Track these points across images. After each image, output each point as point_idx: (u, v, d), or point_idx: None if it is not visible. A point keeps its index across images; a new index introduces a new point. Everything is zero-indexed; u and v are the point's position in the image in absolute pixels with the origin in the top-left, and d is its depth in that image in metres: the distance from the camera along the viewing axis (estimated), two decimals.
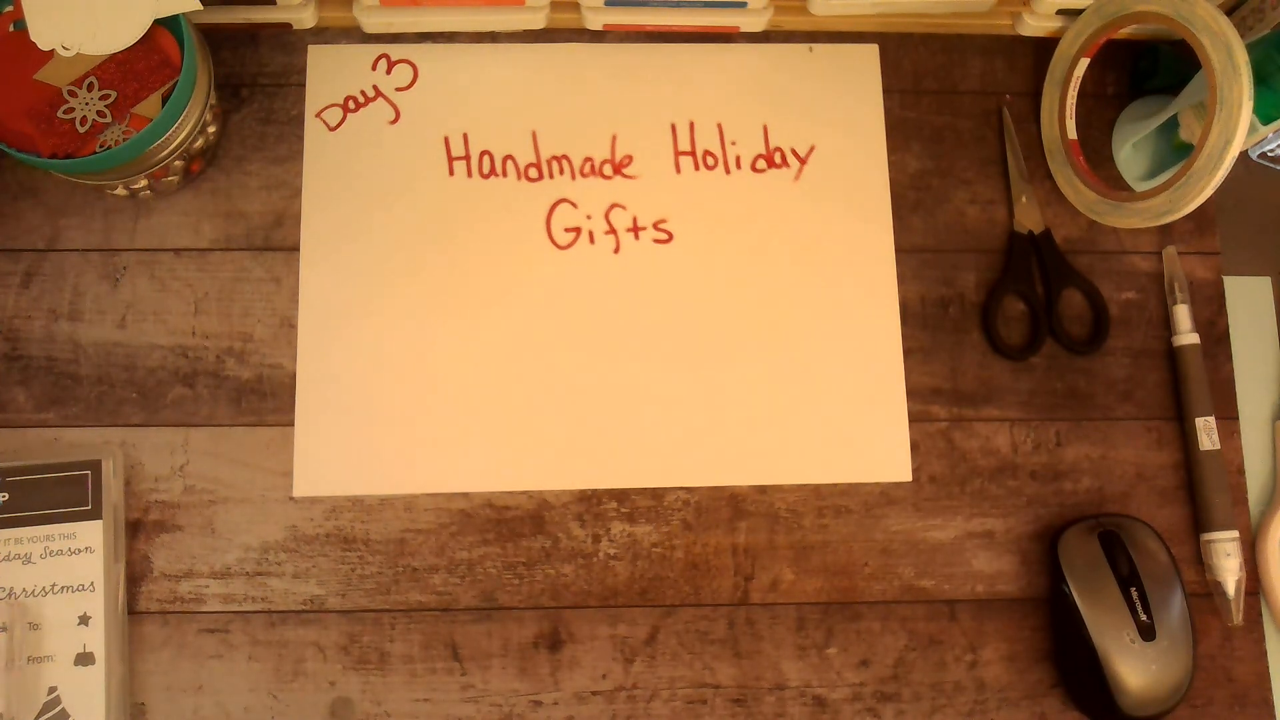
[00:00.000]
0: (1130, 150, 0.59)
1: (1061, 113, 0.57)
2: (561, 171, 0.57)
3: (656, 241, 0.56)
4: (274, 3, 0.55)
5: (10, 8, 0.49)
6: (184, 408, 0.53)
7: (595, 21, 0.57)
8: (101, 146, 0.48)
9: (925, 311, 0.56)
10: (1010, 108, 0.59)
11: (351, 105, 0.57)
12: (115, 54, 0.49)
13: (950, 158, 0.58)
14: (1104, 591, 0.51)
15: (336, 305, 0.54)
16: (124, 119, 0.49)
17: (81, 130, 0.48)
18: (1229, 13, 0.56)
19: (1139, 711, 0.50)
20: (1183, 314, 0.56)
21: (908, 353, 0.56)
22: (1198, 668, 0.52)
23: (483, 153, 0.57)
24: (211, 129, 0.53)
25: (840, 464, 0.54)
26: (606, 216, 0.56)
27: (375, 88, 0.57)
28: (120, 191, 0.52)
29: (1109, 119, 0.60)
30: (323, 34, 0.57)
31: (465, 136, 0.57)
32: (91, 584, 0.50)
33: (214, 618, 0.51)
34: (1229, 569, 0.53)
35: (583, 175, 0.57)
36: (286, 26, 0.57)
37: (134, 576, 0.51)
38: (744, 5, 0.56)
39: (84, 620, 0.49)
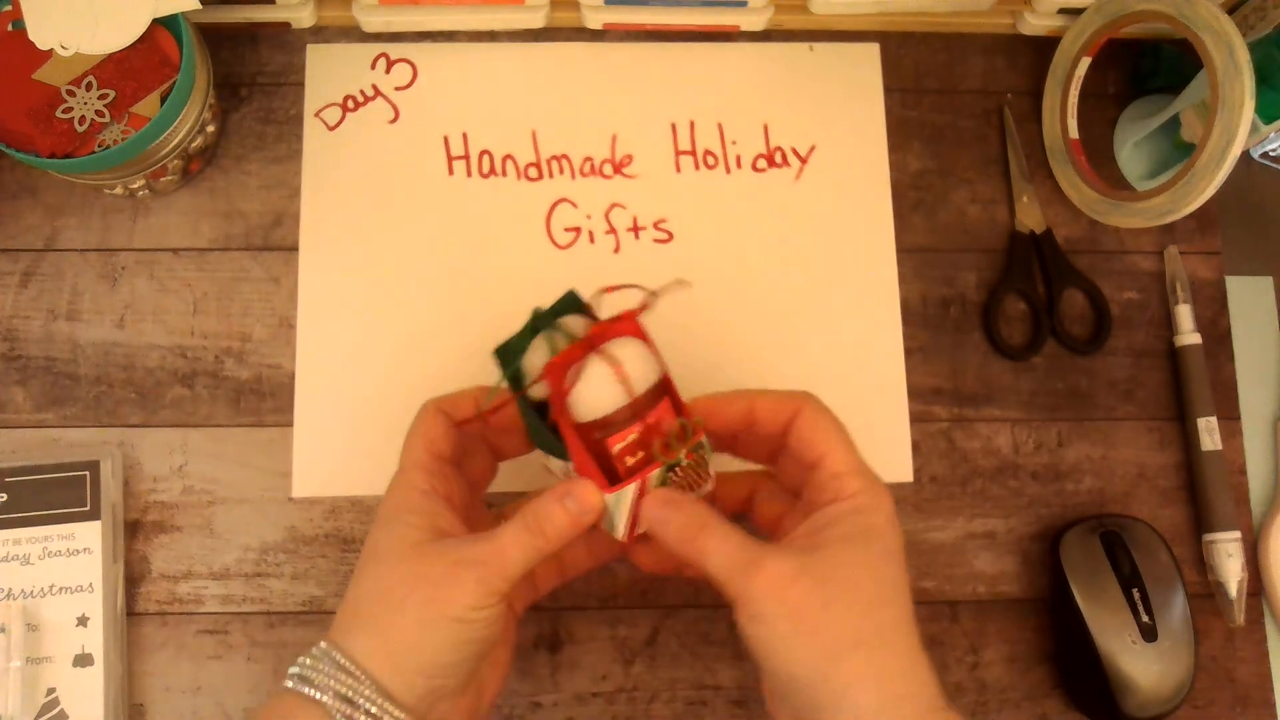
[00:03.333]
0: (1132, 150, 0.58)
1: (1063, 112, 0.57)
2: (561, 171, 0.57)
3: (656, 241, 0.56)
4: (273, 2, 0.55)
5: (9, 7, 0.49)
6: (183, 408, 0.53)
7: (595, 21, 0.57)
8: (100, 146, 0.48)
9: (926, 311, 0.56)
10: (1011, 107, 0.59)
11: (351, 105, 0.57)
12: (114, 53, 0.49)
13: (951, 157, 0.58)
14: (1106, 592, 0.51)
15: (336, 305, 0.54)
16: (123, 118, 0.48)
17: (80, 130, 0.48)
18: (1230, 12, 0.56)
19: (1141, 712, 0.50)
20: (1184, 314, 0.56)
21: (908, 353, 0.56)
22: (1200, 668, 0.52)
23: (482, 152, 0.57)
24: (210, 128, 0.53)
25: None
26: (606, 216, 0.56)
27: (375, 87, 0.57)
28: (119, 191, 0.52)
29: (1110, 118, 0.60)
30: (322, 33, 0.57)
31: (465, 136, 0.57)
32: (90, 585, 0.49)
33: (213, 618, 0.51)
34: (1231, 570, 0.53)
35: (583, 175, 0.57)
36: (286, 26, 0.57)
37: (133, 577, 0.51)
38: (744, 5, 0.56)
39: (83, 621, 0.49)
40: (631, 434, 0.39)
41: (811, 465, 0.41)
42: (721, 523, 0.39)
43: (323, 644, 0.39)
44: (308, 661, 0.38)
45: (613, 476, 0.39)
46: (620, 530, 0.40)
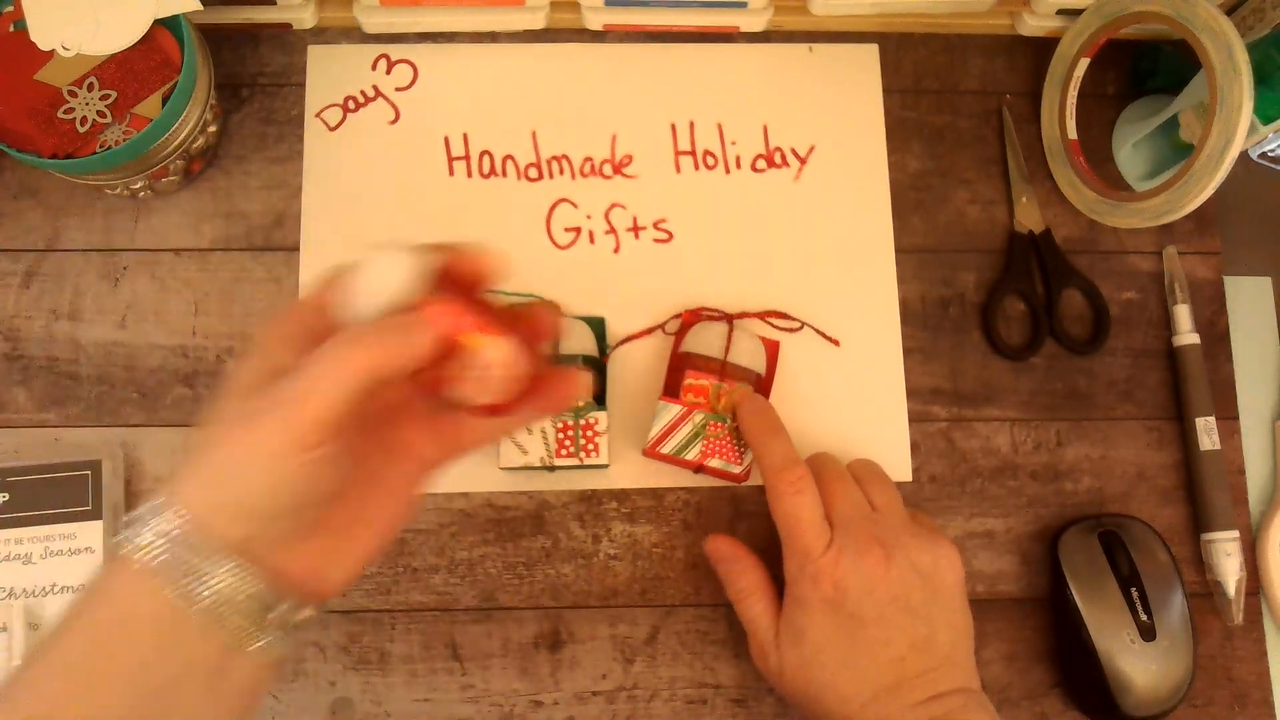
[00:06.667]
0: (1130, 150, 0.59)
1: (1062, 113, 0.57)
2: (561, 171, 0.57)
3: (656, 241, 0.56)
4: (274, 3, 0.55)
5: (10, 8, 0.49)
6: (184, 408, 0.53)
7: (595, 21, 0.57)
8: (102, 146, 0.48)
9: (925, 311, 0.56)
10: (1010, 108, 0.59)
11: (351, 105, 0.57)
12: (115, 54, 0.49)
13: (950, 158, 0.58)
14: (1104, 591, 0.51)
15: None
16: (124, 119, 0.49)
17: (82, 130, 0.48)
18: (1229, 13, 0.56)
19: (1139, 711, 0.50)
20: (1183, 314, 0.56)
21: (908, 353, 0.56)
22: (1198, 668, 0.52)
23: (483, 153, 0.57)
24: (211, 129, 0.53)
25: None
26: (606, 216, 0.56)
27: (375, 88, 0.57)
28: (120, 192, 0.52)
29: (1109, 119, 0.60)
30: (323, 34, 0.57)
31: (465, 136, 0.57)
32: None
33: None
34: (1229, 569, 0.53)
35: (583, 175, 0.57)
36: (286, 26, 0.57)
37: None
38: (744, 5, 0.56)
39: None
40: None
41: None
42: (762, 594, 0.49)
43: (155, 500, 0.35)
44: (136, 511, 0.35)
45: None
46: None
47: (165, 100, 0.48)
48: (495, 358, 0.36)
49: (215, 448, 0.35)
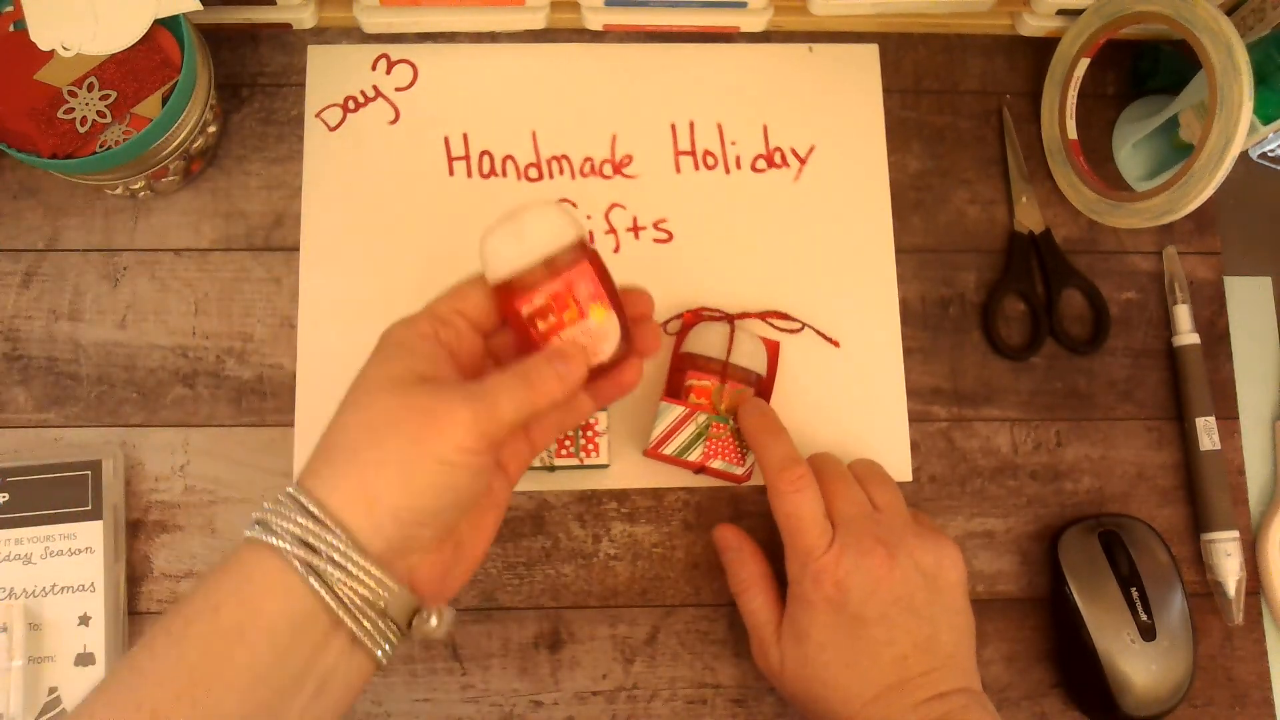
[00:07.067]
0: (1130, 150, 0.59)
1: (1062, 113, 0.57)
2: (561, 171, 0.57)
3: (656, 241, 0.56)
4: (274, 3, 0.55)
5: (10, 8, 0.49)
6: (184, 408, 0.53)
7: (595, 21, 0.57)
8: (102, 147, 0.48)
9: (925, 311, 0.56)
10: (1010, 108, 0.59)
11: (351, 105, 0.57)
12: (115, 54, 0.49)
13: (950, 158, 0.58)
14: (1104, 591, 0.51)
15: (336, 305, 0.54)
16: (124, 119, 0.49)
17: (82, 130, 0.48)
18: (1229, 13, 0.56)
19: (1139, 711, 0.50)
20: (1183, 314, 0.56)
21: (908, 353, 0.56)
22: (1198, 668, 0.52)
23: (483, 153, 0.57)
24: (211, 129, 0.53)
25: None
26: (606, 216, 0.56)
27: (375, 88, 0.57)
28: (120, 191, 0.52)
29: (1109, 119, 0.60)
30: (323, 34, 0.57)
31: (465, 136, 0.57)
32: (92, 584, 0.50)
33: None
34: (1229, 569, 0.53)
35: (583, 175, 0.57)
36: (286, 26, 0.57)
37: (134, 576, 0.51)
38: (744, 5, 0.56)
39: (84, 620, 0.49)
40: (538, 296, 0.40)
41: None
42: (763, 588, 0.49)
43: (289, 488, 0.36)
44: (269, 506, 0.35)
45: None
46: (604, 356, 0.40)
47: (165, 100, 0.48)
48: (607, 327, 0.40)
49: (372, 448, 0.36)
